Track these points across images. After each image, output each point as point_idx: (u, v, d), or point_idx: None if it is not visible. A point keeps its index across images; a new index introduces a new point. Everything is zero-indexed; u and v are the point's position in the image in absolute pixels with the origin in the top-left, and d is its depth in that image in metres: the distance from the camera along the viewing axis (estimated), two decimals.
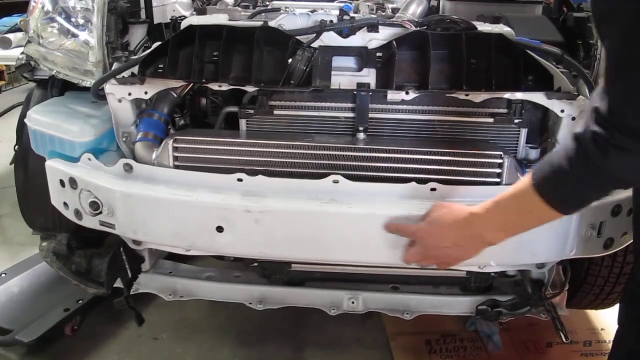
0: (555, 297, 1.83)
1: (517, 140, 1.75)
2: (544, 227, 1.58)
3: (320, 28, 1.63)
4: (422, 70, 1.66)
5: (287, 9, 2.16)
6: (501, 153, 1.63)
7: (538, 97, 1.65)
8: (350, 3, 2.24)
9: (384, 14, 2.02)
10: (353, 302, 1.89)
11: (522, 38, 1.75)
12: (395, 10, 2.11)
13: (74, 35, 1.84)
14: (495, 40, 1.63)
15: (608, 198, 1.65)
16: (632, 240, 1.58)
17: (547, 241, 1.64)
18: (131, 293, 1.91)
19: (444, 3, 2.14)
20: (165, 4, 2.31)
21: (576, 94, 1.64)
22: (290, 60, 1.56)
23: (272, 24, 1.71)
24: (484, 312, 1.83)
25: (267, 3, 2.32)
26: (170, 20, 2.11)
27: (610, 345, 2.57)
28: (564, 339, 1.79)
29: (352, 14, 1.75)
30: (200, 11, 1.79)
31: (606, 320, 2.60)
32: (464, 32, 1.64)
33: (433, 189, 1.59)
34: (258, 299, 1.91)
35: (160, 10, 2.27)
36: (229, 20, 1.79)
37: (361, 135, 1.69)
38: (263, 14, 2.05)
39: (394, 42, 1.65)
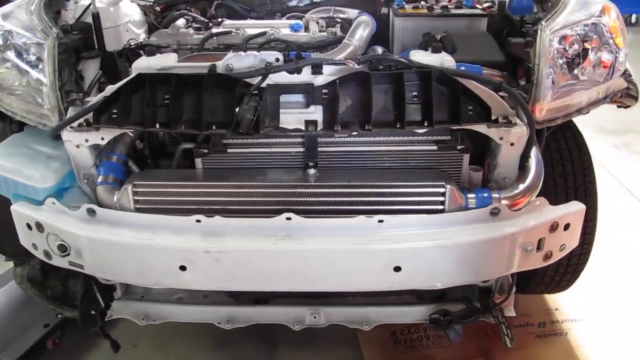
0: (503, 303, 1.98)
1: (461, 165, 1.85)
2: (486, 249, 1.74)
3: (266, 71, 1.69)
4: (365, 106, 1.73)
5: (238, 31, 2.20)
6: (443, 183, 1.73)
7: (478, 128, 1.74)
8: (300, 21, 2.29)
9: (332, 37, 2.06)
10: (315, 317, 2.02)
11: (463, 65, 1.82)
12: (345, 26, 2.15)
13: (27, 73, 1.87)
14: (435, 76, 1.70)
15: (546, 216, 1.78)
16: None
17: (489, 262, 1.76)
18: (105, 320, 2.02)
19: (393, 19, 2.19)
20: (118, 24, 2.34)
21: (514, 122, 1.73)
22: (237, 110, 1.62)
23: (219, 65, 1.76)
24: (436, 321, 1.97)
25: (219, 20, 2.35)
26: (123, 49, 2.14)
27: (564, 325, 2.78)
28: (508, 344, 1.94)
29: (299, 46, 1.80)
30: (150, 52, 1.82)
31: (560, 301, 2.78)
32: (404, 69, 1.70)
33: (380, 221, 1.69)
34: (226, 319, 2.03)
35: (113, 32, 2.30)
36: (178, 60, 1.84)
37: (311, 171, 1.78)
38: (215, 38, 2.09)
39: (337, 81, 1.72)
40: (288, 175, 1.78)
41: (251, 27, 2.22)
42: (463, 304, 1.92)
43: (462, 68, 1.82)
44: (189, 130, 1.69)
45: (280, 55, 1.77)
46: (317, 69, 1.71)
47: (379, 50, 2.12)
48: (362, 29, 2.00)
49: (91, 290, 1.92)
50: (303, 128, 1.75)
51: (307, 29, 2.20)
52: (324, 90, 1.76)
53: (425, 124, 1.71)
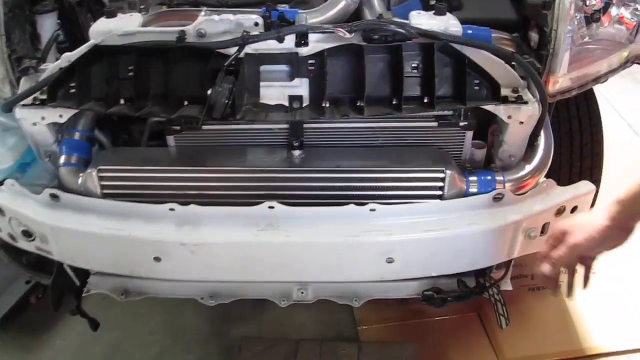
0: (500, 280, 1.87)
1: (463, 143, 1.67)
2: (486, 239, 1.60)
3: (243, 41, 1.46)
4: (357, 81, 1.52)
5: None
6: (443, 169, 1.56)
7: (485, 106, 1.54)
8: None
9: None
10: (302, 292, 1.91)
11: (470, 28, 1.59)
12: None
13: None
14: (437, 49, 1.48)
15: (553, 200, 1.63)
16: None
17: (489, 251, 1.63)
18: (83, 295, 1.92)
19: None
20: None
21: (525, 100, 1.53)
22: (210, 92, 1.41)
23: (190, 30, 1.52)
24: (429, 298, 1.87)
25: None
26: None
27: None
28: (503, 325, 1.86)
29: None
30: (110, 13, 1.57)
31: None
32: (402, 41, 1.48)
33: (372, 210, 1.54)
34: (209, 294, 1.92)
35: None
36: (144, 20, 1.60)
37: (296, 152, 1.60)
38: None
39: (325, 52, 1.50)
40: (270, 156, 1.60)
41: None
42: (457, 285, 1.81)
43: (469, 32, 1.59)
44: (156, 114, 1.49)
45: (259, 19, 1.54)
46: (302, 39, 1.48)
47: (375, 1, 1.86)
48: None
49: (63, 272, 1.80)
50: (286, 104, 1.56)
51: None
52: (310, 61, 1.54)
53: (426, 101, 1.52)
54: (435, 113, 1.62)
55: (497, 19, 1.70)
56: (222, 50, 1.49)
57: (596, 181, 2.10)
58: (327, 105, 1.49)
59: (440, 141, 1.66)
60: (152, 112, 1.49)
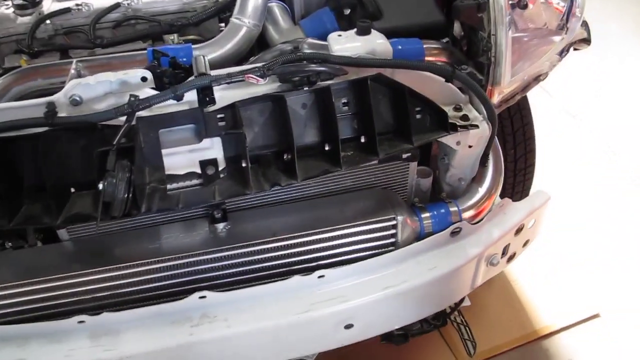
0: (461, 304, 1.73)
1: (407, 176, 1.46)
2: (449, 280, 1.43)
3: (131, 108, 1.15)
4: (281, 132, 1.26)
5: (80, 5, 1.56)
6: (393, 215, 1.35)
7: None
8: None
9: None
10: None
11: (398, 42, 1.36)
12: None
13: None
14: (371, 80, 1.24)
15: (511, 221, 1.47)
16: None
17: (452, 290, 1.47)
18: None
19: None
20: None
21: (474, 125, 1.34)
22: (101, 186, 1.11)
23: (60, 100, 1.19)
24: (389, 337, 1.70)
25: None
26: None
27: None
28: (472, 351, 1.73)
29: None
30: None
31: None
32: (329, 79, 1.22)
33: (321, 276, 1.32)
34: None
35: None
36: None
37: (220, 226, 1.33)
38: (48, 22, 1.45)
39: (237, 104, 1.22)
40: (189, 235, 1.33)
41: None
42: (420, 323, 1.65)
43: (399, 47, 1.37)
44: (36, 221, 1.16)
45: (146, 73, 1.23)
46: (206, 95, 1.19)
47: (278, 15, 1.58)
48: None
49: None
50: (198, 171, 1.28)
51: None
52: (219, 116, 1.26)
53: (363, 141, 1.29)
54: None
55: (424, 25, 1.48)
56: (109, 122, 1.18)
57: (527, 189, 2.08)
58: (248, 165, 1.22)
59: (383, 178, 1.45)
60: (31, 219, 1.16)
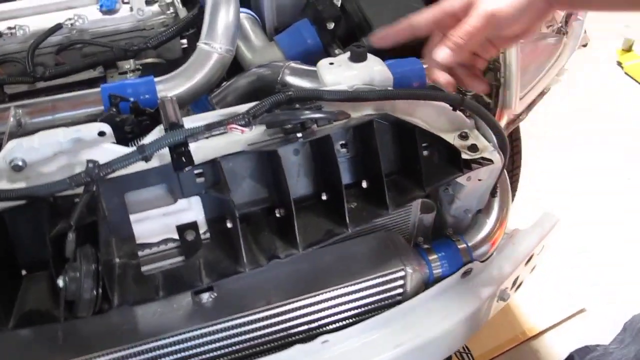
0: None
1: (410, 213, 1.30)
2: (462, 325, 1.29)
3: (90, 177, 0.93)
4: (274, 183, 1.07)
5: (13, 28, 1.30)
6: (402, 267, 1.19)
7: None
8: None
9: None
10: None
11: (396, 64, 1.18)
12: None
13: None
14: (377, 124, 1.05)
15: (521, 251, 1.35)
16: None
17: (465, 333, 1.33)
18: None
19: None
20: None
21: (489, 160, 1.17)
22: (60, 283, 0.89)
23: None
24: None
25: None
26: None
27: None
28: None
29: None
30: None
31: None
32: (325, 124, 1.03)
33: (325, 342, 1.16)
34: None
35: None
36: None
37: (204, 296, 1.13)
38: None
39: (219, 159, 1.02)
40: (171, 311, 1.12)
41: (31, 10, 1.31)
42: None
43: (399, 70, 1.18)
44: None
45: (104, 127, 1.01)
46: (181, 155, 0.98)
47: (249, 29, 1.36)
48: (225, 10, 1.20)
49: None
50: (175, 236, 1.08)
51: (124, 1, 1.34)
52: (197, 171, 1.05)
53: (366, 187, 1.11)
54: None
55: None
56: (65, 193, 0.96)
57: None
58: (238, 233, 1.02)
59: (385, 218, 1.28)
60: None
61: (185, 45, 1.41)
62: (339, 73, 1.13)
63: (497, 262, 1.32)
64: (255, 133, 1.06)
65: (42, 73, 1.24)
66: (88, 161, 0.95)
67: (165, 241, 1.08)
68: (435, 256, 1.27)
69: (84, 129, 1.00)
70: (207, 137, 0.99)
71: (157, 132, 1.04)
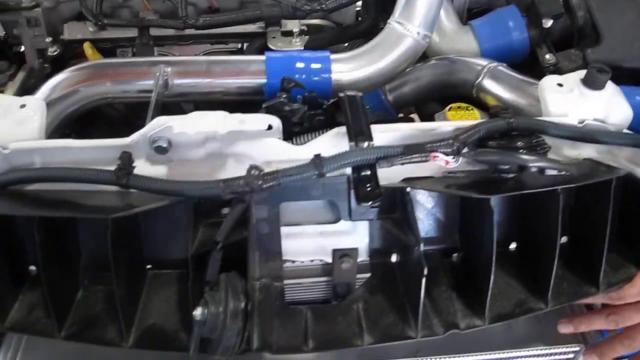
0: None
1: None
2: None
3: (251, 188, 0.74)
4: (466, 226, 0.86)
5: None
6: (580, 344, 0.97)
7: None
8: None
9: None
10: None
11: (630, 92, 0.91)
12: None
13: None
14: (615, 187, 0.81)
15: None
16: None
17: None
18: None
19: None
20: None
21: None
22: (197, 316, 0.71)
23: (139, 140, 0.79)
24: None
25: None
26: None
27: None
28: None
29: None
30: None
31: None
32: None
33: None
34: None
35: None
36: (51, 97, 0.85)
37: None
38: None
39: (408, 189, 0.80)
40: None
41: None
42: None
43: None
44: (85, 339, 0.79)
45: (273, 120, 0.81)
46: (366, 180, 0.76)
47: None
48: None
49: None
50: (328, 260, 0.89)
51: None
52: (367, 185, 0.83)
53: (569, 260, 0.88)
54: None
55: None
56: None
57: None
58: (425, 268, 0.81)
59: None
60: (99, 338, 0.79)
61: (359, 8, 1.17)
62: (569, 101, 0.87)
63: None
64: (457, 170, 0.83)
65: (194, 20, 1.04)
66: (251, 166, 0.76)
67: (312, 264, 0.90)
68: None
69: (249, 121, 0.80)
70: (402, 164, 0.77)
71: (332, 137, 0.83)
